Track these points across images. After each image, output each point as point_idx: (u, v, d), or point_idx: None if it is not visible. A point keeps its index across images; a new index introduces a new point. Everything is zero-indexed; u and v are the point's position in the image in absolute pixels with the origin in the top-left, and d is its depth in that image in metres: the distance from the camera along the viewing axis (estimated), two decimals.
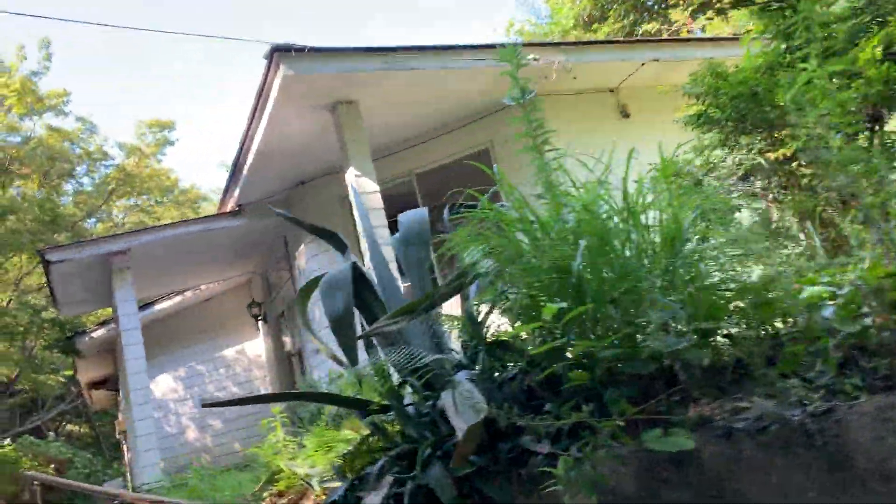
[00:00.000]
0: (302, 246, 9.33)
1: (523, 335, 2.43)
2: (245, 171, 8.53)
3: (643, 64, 8.11)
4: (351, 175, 7.17)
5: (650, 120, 8.72)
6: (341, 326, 3.32)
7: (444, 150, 8.49)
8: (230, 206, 9.61)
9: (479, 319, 2.91)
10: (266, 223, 9.78)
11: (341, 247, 3.91)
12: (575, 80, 8.19)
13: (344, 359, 2.90)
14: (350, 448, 3.18)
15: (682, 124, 4.58)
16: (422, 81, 7.35)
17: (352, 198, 7.14)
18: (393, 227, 9.02)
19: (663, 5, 15.20)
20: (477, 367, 2.74)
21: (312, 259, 9.07)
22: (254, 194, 9.25)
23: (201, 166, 53.45)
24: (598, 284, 2.13)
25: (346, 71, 6.71)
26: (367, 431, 3.07)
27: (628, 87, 8.66)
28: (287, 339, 11.27)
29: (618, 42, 7.90)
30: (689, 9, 13.02)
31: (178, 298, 12.92)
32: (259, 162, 8.22)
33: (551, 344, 2.11)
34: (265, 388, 12.84)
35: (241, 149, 8.23)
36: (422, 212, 3.97)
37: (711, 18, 12.41)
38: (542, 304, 2.25)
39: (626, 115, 8.60)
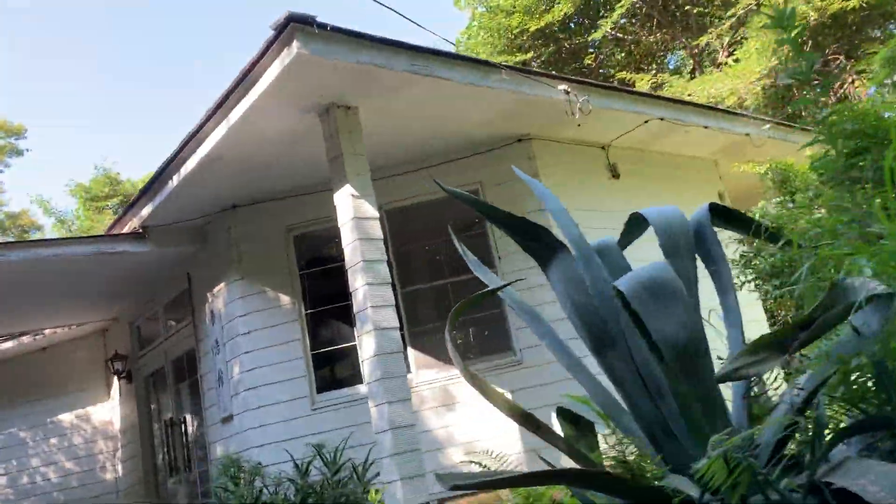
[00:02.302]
0: (221, 285, 7.47)
1: None
2: (175, 182, 6.68)
3: (646, 121, 7.50)
4: (345, 196, 5.70)
5: (640, 184, 8.11)
6: (688, 361, 2.03)
7: (425, 185, 7.22)
8: (130, 226, 7.57)
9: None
10: (175, 251, 7.80)
11: (551, 250, 2.64)
12: (575, 128, 7.40)
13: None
14: None
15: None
16: (439, 96, 6.15)
17: (345, 221, 5.66)
18: (404, 260, 7.47)
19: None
20: None
21: (237, 302, 7.25)
22: (167, 215, 7.33)
23: (49, 186, 45.86)
24: None
25: (369, 64, 5.35)
26: None
27: (617, 145, 8.02)
28: (167, 403, 9.01)
29: (637, 93, 7.26)
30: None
31: (9, 343, 10.14)
32: (201, 170, 6.46)
33: None
34: (113, 466, 10.23)
35: (178, 151, 6.43)
36: (676, 210, 2.78)
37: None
38: None
39: (616, 176, 7.91)
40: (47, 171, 42.37)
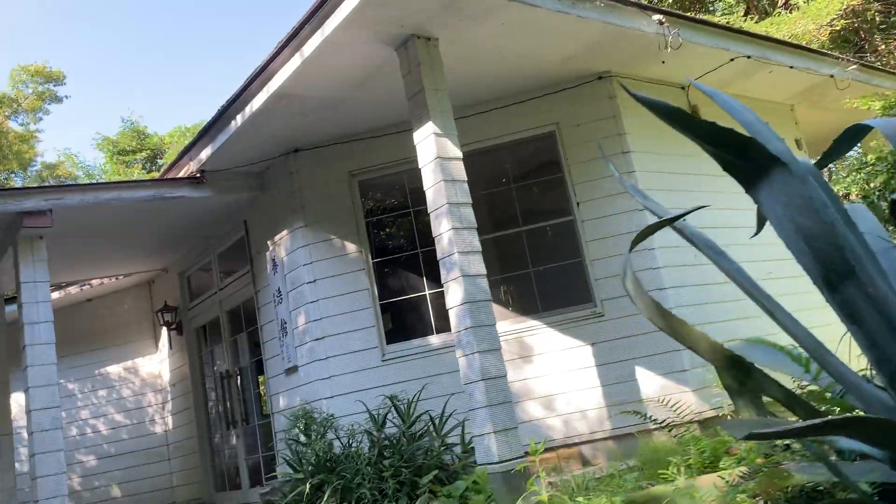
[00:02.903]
0: (283, 232, 7.17)
1: None
2: (238, 122, 6.33)
3: (732, 59, 7.02)
4: (427, 135, 5.33)
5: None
6: None
7: (500, 127, 6.83)
8: (187, 170, 7.25)
9: None
10: (233, 198, 7.50)
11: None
12: (657, 66, 6.94)
13: None
14: None
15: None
16: (524, 26, 5.70)
17: (427, 161, 5.29)
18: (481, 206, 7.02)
19: None
20: None
21: (301, 250, 6.95)
22: (226, 159, 7.00)
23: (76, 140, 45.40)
24: None
25: None
26: None
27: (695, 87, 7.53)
28: (222, 355, 8.80)
29: (726, 28, 6.77)
30: None
31: (55, 294, 9.95)
32: (267, 109, 6.11)
33: None
34: (162, 419, 10.11)
35: (245, 87, 6.07)
36: None
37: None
38: None
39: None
40: (75, 124, 42.03)
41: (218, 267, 8.65)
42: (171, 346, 9.55)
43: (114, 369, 10.20)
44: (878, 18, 11.76)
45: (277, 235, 7.29)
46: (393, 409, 6.08)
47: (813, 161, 2.66)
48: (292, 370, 7.08)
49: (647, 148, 6.85)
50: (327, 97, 6.17)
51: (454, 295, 5.14)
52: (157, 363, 10.24)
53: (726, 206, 7.54)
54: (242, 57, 51.11)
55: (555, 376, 6.39)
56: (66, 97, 22.49)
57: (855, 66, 8.10)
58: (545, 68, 6.55)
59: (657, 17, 5.96)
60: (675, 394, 6.27)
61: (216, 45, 51.59)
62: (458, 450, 5.88)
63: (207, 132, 6.77)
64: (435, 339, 6.69)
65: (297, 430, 6.15)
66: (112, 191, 6.62)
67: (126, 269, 9.40)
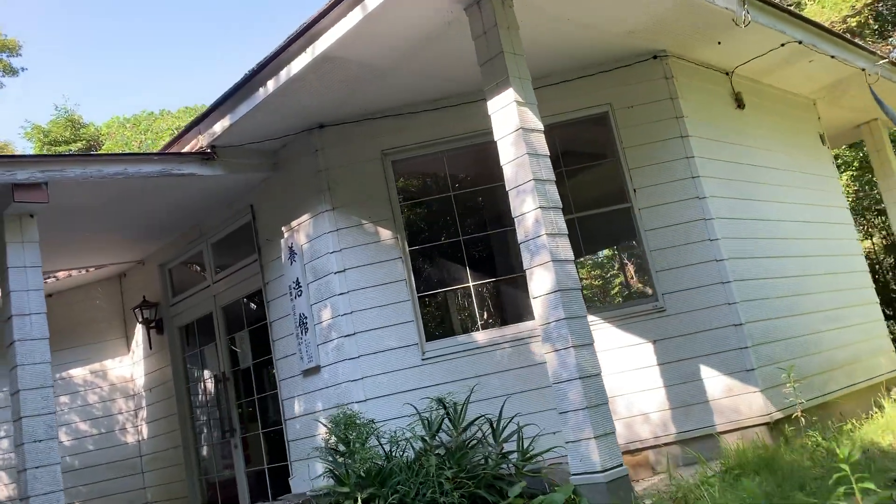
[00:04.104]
0: (304, 217, 6.43)
1: None
2: (270, 88, 5.59)
3: (783, 44, 6.71)
4: (507, 103, 4.75)
5: (760, 118, 7.38)
6: None
7: (549, 105, 6.28)
8: (194, 146, 6.42)
9: None
10: (242, 178, 6.71)
11: None
12: (711, 48, 6.58)
13: None
14: None
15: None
16: None
17: (506, 133, 4.70)
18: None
19: None
20: None
21: (328, 236, 6.23)
22: (245, 133, 6.23)
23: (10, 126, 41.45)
24: None
25: None
26: None
27: (738, 73, 7.22)
28: (214, 356, 7.89)
29: (786, 11, 6.43)
30: None
31: None
32: (307, 74, 5.41)
33: None
34: (135, 427, 9.11)
35: (284, 48, 5.34)
36: None
37: None
38: None
39: (741, 106, 7.13)
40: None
41: (212, 258, 7.78)
42: (149, 347, 8.57)
43: (78, 372, 9.13)
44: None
45: (296, 220, 6.54)
46: (443, 413, 5.45)
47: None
48: (313, 371, 6.33)
49: (703, 133, 6.46)
50: (376, 64, 5.51)
51: (541, 282, 4.56)
52: (128, 366, 9.23)
53: (784, 200, 7.26)
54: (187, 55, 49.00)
55: (615, 376, 5.87)
56: (23, 69, 20.31)
57: (886, 61, 7.96)
58: (605, 42, 6.07)
59: None
60: (741, 394, 5.88)
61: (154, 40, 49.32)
62: (514, 458, 5.31)
63: (226, 101, 5.97)
64: (481, 336, 6.08)
65: (335, 438, 5.44)
66: (117, 164, 5.73)
67: (100, 259, 8.39)
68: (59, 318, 8.80)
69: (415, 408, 5.50)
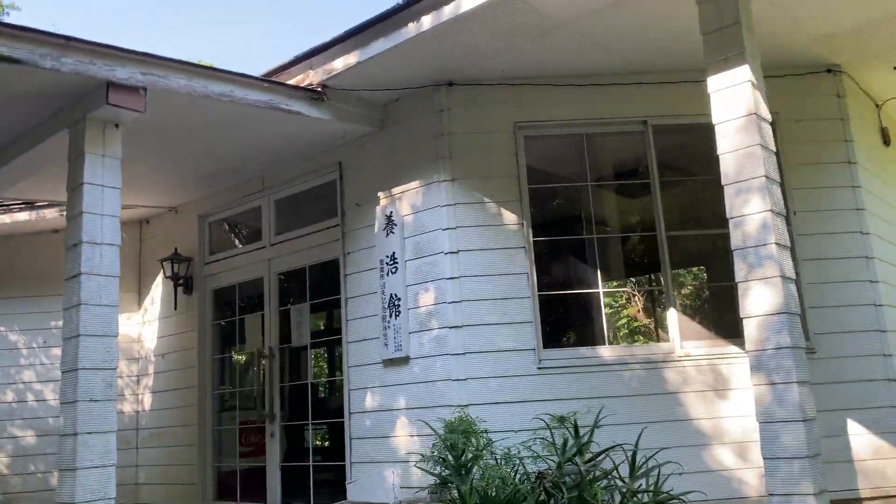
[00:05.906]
0: (413, 184, 5.54)
1: None
2: (427, 23, 4.72)
3: None
4: (740, 81, 4.02)
5: None
6: None
7: (699, 103, 5.56)
8: (302, 80, 5.46)
9: None
10: (346, 130, 5.79)
11: None
12: (883, 70, 5.97)
13: None
14: None
15: None
16: None
17: (733, 117, 3.94)
18: None
19: None
20: None
21: (442, 210, 5.35)
22: (373, 75, 5.31)
23: None
24: None
25: None
26: None
27: (886, 107, 6.64)
28: (256, 327, 6.85)
29: None
30: None
31: (5, 217, 7.69)
32: (484, 13, 4.56)
33: None
34: (134, 395, 7.98)
35: None
36: None
37: None
38: None
39: (886, 142, 6.55)
40: None
41: (273, 216, 6.78)
42: (174, 307, 7.47)
43: None
44: None
45: (400, 187, 5.64)
46: (570, 435, 4.63)
47: None
48: (400, 361, 5.43)
49: (865, 163, 5.83)
50: (554, 15, 4.67)
51: (760, 300, 3.80)
52: (136, 325, 8.10)
53: None
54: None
55: (753, 418, 5.13)
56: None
57: None
58: (782, 44, 5.38)
59: None
60: (890, 458, 5.22)
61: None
62: (644, 498, 4.53)
63: (360, 32, 5.05)
64: (607, 352, 5.27)
65: (445, 450, 4.55)
66: (225, 83, 4.73)
67: (132, 198, 7.26)
68: (61, 259, 7.68)
69: (545, 422, 4.63)
